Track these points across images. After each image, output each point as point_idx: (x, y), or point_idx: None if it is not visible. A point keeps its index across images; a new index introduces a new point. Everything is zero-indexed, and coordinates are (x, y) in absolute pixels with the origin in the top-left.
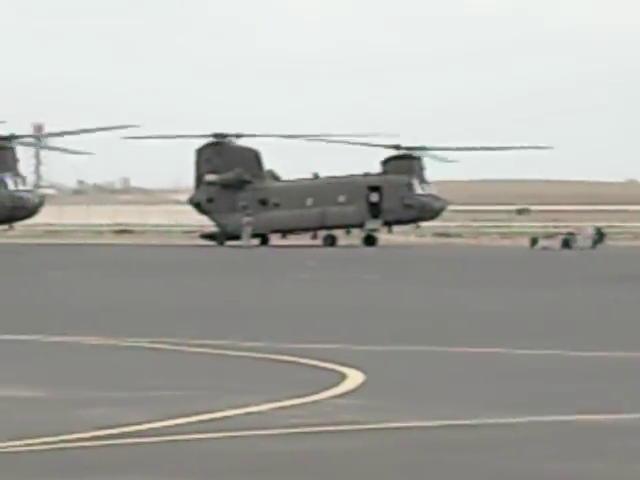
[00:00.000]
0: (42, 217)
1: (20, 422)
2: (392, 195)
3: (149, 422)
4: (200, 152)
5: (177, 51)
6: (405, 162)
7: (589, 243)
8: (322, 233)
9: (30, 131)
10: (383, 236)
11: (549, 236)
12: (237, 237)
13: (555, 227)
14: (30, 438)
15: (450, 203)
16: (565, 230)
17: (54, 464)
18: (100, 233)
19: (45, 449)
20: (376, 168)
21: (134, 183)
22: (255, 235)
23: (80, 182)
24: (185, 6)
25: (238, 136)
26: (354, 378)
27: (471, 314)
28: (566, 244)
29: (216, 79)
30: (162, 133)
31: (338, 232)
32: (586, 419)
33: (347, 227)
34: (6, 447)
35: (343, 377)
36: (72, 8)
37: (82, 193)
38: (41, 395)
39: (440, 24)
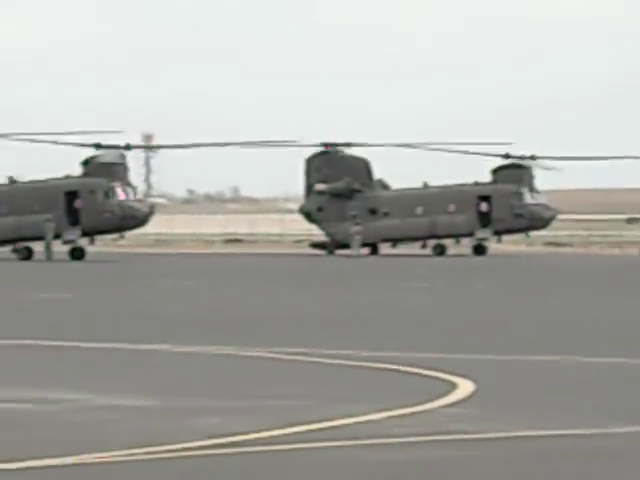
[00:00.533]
0: (152, 226)
1: (133, 431)
2: (502, 204)
3: (260, 431)
4: (310, 161)
5: (285, 60)
6: (515, 171)
7: None
8: (432, 242)
9: (140, 141)
10: (493, 245)
11: None
12: (347, 246)
13: None
14: (142, 447)
15: (560, 212)
16: None
17: (165, 473)
18: (210, 242)
19: (158, 458)
20: (486, 177)
21: (244, 192)
22: (365, 244)
23: (190, 191)
24: (295, 15)
25: (347, 145)
26: (465, 387)
27: (581, 323)
28: None
29: (325, 87)
30: (270, 140)
31: (447, 241)
32: None
33: (457, 236)
34: (117, 456)
35: (453, 386)
36: (180, 19)
37: (192, 202)
38: (154, 404)
39: (543, 28)
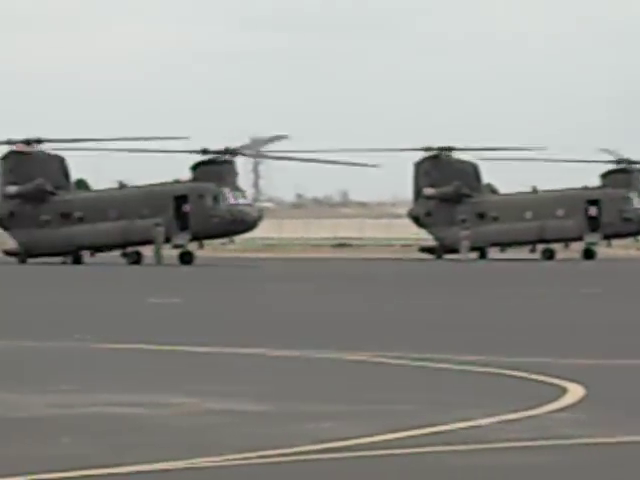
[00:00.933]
0: (261, 231)
1: (243, 435)
2: (611, 209)
3: (368, 436)
4: (419, 166)
5: (388, 67)
6: (624, 175)
7: None
8: (540, 246)
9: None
10: (602, 249)
11: None
12: (455, 250)
13: None
14: (253, 451)
15: None
16: None
17: (275, 478)
18: (319, 247)
19: (268, 462)
20: (595, 182)
21: (352, 196)
22: (473, 248)
23: (299, 196)
24: (394, 22)
25: (449, 149)
26: (574, 392)
27: None
28: None
29: (428, 93)
30: (377, 147)
31: (556, 245)
32: None
33: (566, 241)
34: (228, 460)
35: (563, 391)
36: (292, 24)
37: (301, 207)
38: (263, 408)
39: None
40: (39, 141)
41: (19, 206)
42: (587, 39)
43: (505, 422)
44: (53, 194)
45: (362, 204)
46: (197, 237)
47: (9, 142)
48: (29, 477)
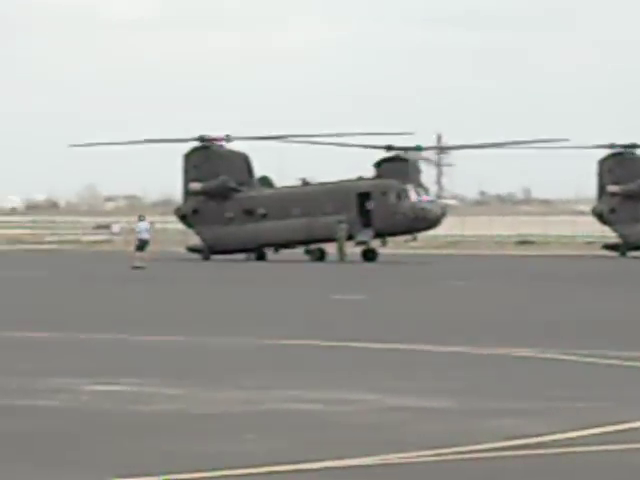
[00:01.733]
0: (444, 228)
1: (427, 432)
2: None
3: (554, 433)
4: (603, 163)
5: (571, 63)
6: None
7: None
8: None
9: (434, 142)
10: None
11: None
12: (639, 248)
13: None
14: (437, 448)
15: None
16: None
17: (459, 474)
18: (502, 244)
19: (452, 459)
20: None
21: (535, 194)
22: None
23: (482, 193)
24: (569, 18)
25: (634, 147)
26: None
27: None
28: None
29: (613, 90)
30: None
31: None
32: None
33: None
34: (417, 457)
35: None
36: (465, 21)
37: (484, 204)
38: (447, 405)
39: None
40: (228, 138)
41: (203, 203)
42: None
43: None
44: (237, 191)
45: (545, 201)
46: (380, 234)
47: (201, 139)
48: (216, 473)
